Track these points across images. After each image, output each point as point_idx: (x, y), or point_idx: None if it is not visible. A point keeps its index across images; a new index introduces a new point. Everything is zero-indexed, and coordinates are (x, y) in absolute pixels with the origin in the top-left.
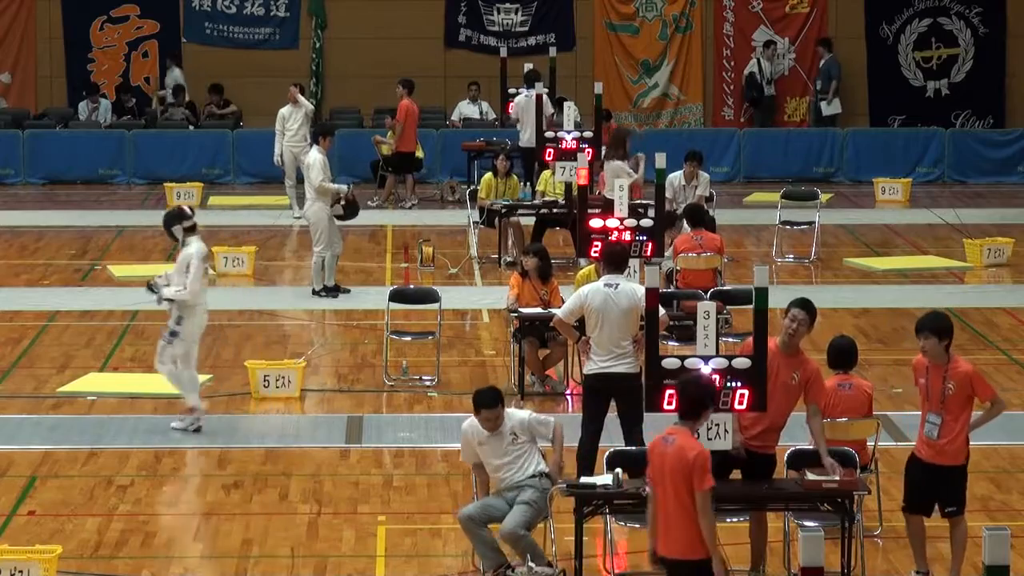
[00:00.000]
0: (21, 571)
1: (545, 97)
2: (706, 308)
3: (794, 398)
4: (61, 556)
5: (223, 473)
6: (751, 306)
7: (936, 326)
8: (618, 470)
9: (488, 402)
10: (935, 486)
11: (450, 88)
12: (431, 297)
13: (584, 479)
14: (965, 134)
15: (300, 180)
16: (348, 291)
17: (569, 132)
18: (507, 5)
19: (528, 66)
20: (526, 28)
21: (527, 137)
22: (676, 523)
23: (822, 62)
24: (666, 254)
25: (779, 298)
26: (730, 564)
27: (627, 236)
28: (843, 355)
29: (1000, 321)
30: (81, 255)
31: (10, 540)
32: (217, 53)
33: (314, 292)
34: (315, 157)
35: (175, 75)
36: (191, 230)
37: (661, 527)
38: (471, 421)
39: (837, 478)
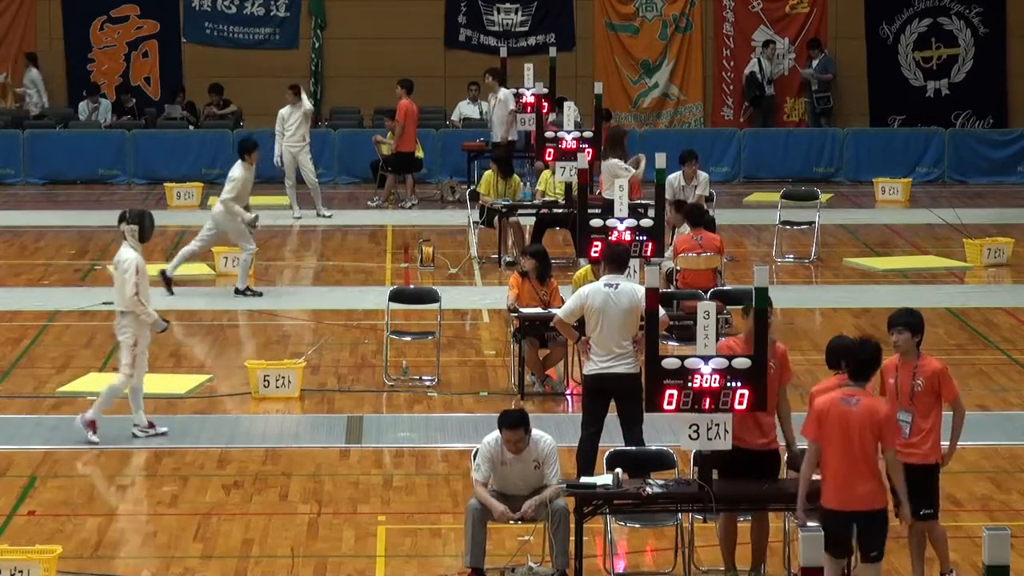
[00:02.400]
0: (21, 571)
1: (507, 94)
2: (706, 308)
3: (775, 385)
4: (61, 556)
5: (223, 473)
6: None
7: (910, 321)
8: (618, 470)
9: (509, 422)
10: (910, 485)
11: (450, 88)
12: (431, 297)
13: (584, 479)
14: (965, 134)
15: (300, 180)
16: (261, 294)
17: (569, 132)
18: (507, 5)
19: (529, 66)
20: (526, 28)
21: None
22: (859, 477)
23: (814, 63)
24: (666, 254)
25: (779, 298)
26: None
27: (627, 236)
28: (843, 355)
29: (1000, 321)
30: (81, 255)
31: (10, 540)
32: (217, 53)
33: (236, 291)
34: (237, 174)
35: (32, 75)
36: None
37: (836, 482)
38: (496, 437)
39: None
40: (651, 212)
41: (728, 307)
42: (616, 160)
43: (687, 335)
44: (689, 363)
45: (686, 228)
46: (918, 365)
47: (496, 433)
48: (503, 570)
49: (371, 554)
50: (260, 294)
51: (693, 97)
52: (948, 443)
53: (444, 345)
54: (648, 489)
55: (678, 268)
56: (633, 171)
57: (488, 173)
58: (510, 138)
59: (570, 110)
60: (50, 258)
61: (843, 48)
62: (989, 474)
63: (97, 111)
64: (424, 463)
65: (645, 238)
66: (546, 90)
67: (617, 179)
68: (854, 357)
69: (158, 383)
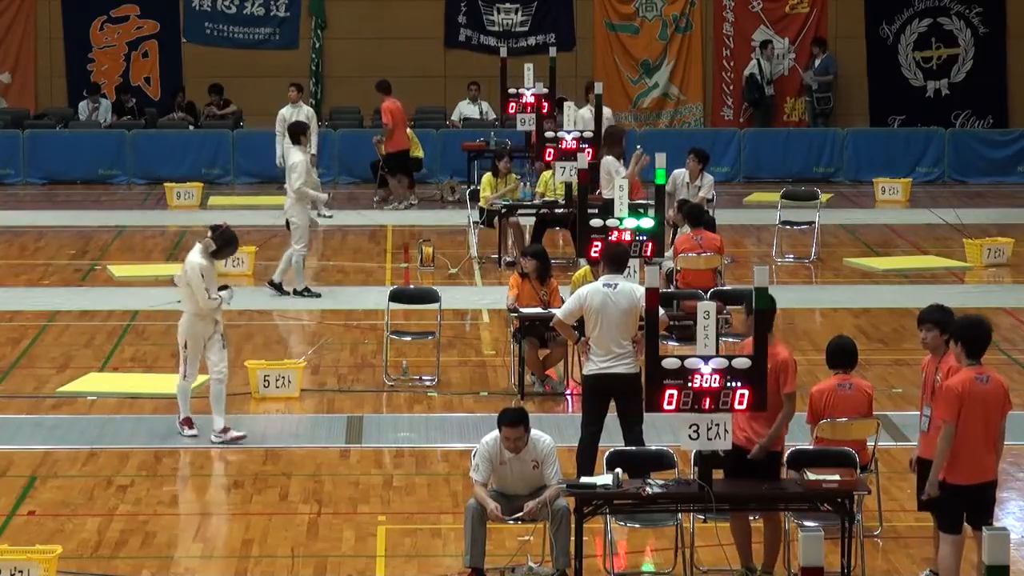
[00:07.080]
0: (21, 571)
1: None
2: (706, 308)
3: (772, 387)
4: (61, 556)
5: (223, 473)
6: None
7: (938, 319)
8: (618, 470)
9: (509, 419)
10: (920, 480)
11: (450, 88)
12: (431, 297)
13: (584, 479)
14: (965, 134)
15: None
16: (319, 295)
17: (569, 132)
18: (507, 5)
19: (529, 66)
20: (526, 28)
21: None
22: (987, 451)
23: (817, 62)
24: (666, 254)
25: (779, 298)
26: (730, 564)
27: (627, 236)
28: (843, 355)
29: (1000, 321)
30: (81, 255)
31: (10, 540)
32: (217, 53)
33: (294, 292)
34: (297, 159)
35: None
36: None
37: (971, 457)
38: (495, 437)
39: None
40: (651, 212)
41: (728, 307)
42: (611, 158)
43: (687, 335)
44: (689, 363)
45: (686, 228)
46: (942, 361)
47: (495, 433)
48: (503, 570)
49: (371, 554)
50: (318, 295)
51: (693, 97)
52: None
53: (444, 345)
54: (648, 489)
55: (678, 268)
56: (624, 171)
57: (487, 176)
58: None
59: (570, 110)
60: (50, 258)
61: (843, 48)
62: None
63: (97, 111)
64: (424, 463)
65: (645, 238)
66: (546, 90)
67: (616, 178)
68: (965, 335)
69: (158, 383)
